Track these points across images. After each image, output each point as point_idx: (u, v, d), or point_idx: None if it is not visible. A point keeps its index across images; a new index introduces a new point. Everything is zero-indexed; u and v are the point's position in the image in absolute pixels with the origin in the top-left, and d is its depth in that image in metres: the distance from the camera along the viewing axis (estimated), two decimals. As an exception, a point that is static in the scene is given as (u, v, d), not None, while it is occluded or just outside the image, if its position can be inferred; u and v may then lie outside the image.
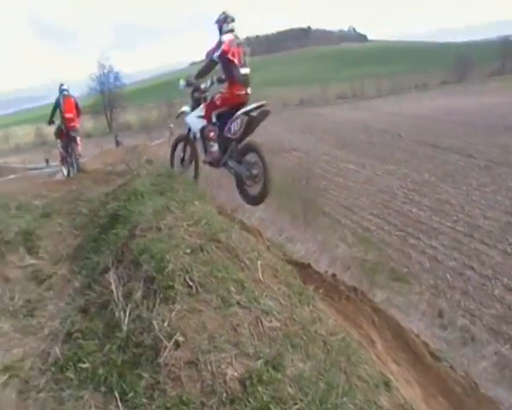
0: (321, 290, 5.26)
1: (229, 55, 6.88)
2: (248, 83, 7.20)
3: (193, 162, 7.60)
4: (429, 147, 52.53)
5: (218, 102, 7.05)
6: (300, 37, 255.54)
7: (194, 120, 7.38)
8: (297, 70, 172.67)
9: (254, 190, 6.90)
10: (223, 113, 7.08)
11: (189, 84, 7.57)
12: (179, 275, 3.59)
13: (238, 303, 3.43)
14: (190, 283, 3.53)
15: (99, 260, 4.86)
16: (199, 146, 7.46)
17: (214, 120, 7.13)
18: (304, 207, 31.82)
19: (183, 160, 7.77)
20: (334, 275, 6.23)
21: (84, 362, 3.38)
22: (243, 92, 7.07)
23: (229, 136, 6.96)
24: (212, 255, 3.89)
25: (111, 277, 4.02)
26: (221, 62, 6.99)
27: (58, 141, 13.38)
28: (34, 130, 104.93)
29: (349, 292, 5.83)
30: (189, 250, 3.92)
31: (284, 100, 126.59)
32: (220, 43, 6.92)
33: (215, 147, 7.03)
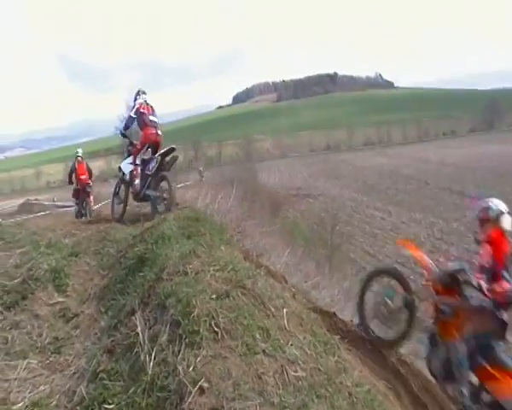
0: (346, 340, 5.19)
1: (141, 109, 9.29)
2: (157, 127, 9.39)
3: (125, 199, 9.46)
4: (457, 195, 51.93)
5: (138, 146, 9.33)
6: (327, 82, 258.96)
7: (126, 165, 9.54)
8: (323, 115, 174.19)
9: (161, 208, 8.61)
10: (145, 158, 9.25)
11: (123, 135, 10.00)
12: (205, 320, 3.60)
13: (263, 351, 3.42)
14: (216, 328, 3.54)
15: (125, 301, 4.91)
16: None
17: (138, 162, 9.26)
18: (329, 253, 31.62)
19: (119, 198, 9.67)
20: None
21: (109, 403, 3.41)
22: (154, 132, 9.25)
23: (147, 173, 8.99)
24: (237, 302, 3.90)
25: (137, 319, 4.06)
26: (136, 116, 9.27)
27: (74, 199, 16.25)
28: (64, 168, 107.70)
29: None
30: (214, 296, 3.94)
31: (310, 145, 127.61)
32: (135, 105, 9.41)
33: (137, 182, 9.09)
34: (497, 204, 5.58)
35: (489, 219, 5.49)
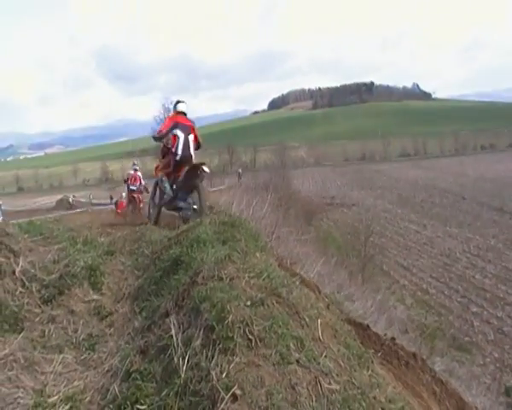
0: (380, 354, 5.11)
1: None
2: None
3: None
4: (495, 211, 50.85)
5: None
6: (363, 91, 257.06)
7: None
8: (359, 125, 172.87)
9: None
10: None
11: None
12: (239, 327, 3.59)
13: (297, 361, 3.38)
14: (250, 336, 3.52)
15: (160, 303, 4.94)
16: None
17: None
18: (362, 264, 31.35)
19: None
20: (393, 338, 6.03)
21: (141, 403, 3.43)
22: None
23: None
24: (272, 310, 3.87)
25: (171, 321, 4.08)
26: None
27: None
28: (100, 166, 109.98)
29: (409, 358, 5.62)
30: (249, 303, 3.92)
31: (345, 154, 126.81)
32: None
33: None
34: None
35: None
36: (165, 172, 9.33)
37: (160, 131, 9.19)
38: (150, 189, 11.86)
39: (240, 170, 46.56)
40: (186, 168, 8.82)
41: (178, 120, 9.18)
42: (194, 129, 9.37)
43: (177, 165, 9.03)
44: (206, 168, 8.62)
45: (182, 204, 8.82)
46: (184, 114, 9.46)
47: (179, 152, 8.96)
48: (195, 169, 8.64)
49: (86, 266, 6.13)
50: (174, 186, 9.00)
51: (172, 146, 8.94)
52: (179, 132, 8.92)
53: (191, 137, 9.19)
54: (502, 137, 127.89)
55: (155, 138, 9.45)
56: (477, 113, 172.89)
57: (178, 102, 9.69)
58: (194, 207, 8.61)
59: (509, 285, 31.39)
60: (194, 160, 9.25)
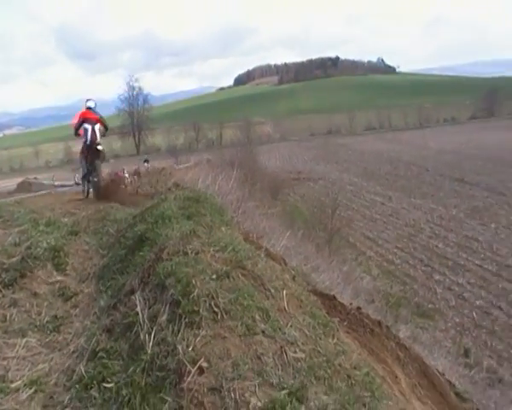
0: (345, 323, 5.21)
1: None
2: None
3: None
4: (457, 182, 52.00)
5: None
6: (329, 66, 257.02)
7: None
8: (324, 99, 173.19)
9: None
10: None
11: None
12: (204, 300, 3.59)
13: (263, 332, 3.41)
14: (215, 309, 3.53)
15: (125, 280, 4.90)
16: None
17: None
18: (329, 237, 31.71)
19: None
20: (358, 308, 6.14)
21: (108, 382, 3.41)
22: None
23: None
24: (237, 282, 3.88)
25: (137, 298, 4.06)
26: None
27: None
28: (63, 147, 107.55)
29: (374, 326, 5.74)
30: (214, 276, 3.92)
31: (311, 129, 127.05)
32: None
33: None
34: None
35: None
36: (82, 155, 12.13)
37: (73, 125, 12.02)
38: None
39: (146, 157, 45.53)
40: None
41: (86, 115, 11.78)
42: (99, 119, 11.95)
43: (87, 149, 11.71)
44: (99, 147, 11.64)
45: (94, 178, 11.62)
46: (91, 108, 12.08)
47: (88, 139, 11.53)
48: (94, 150, 11.58)
49: (49, 247, 6.03)
50: (88, 165, 11.80)
51: (83, 136, 11.58)
52: (86, 125, 11.55)
53: (97, 127, 11.70)
54: (463, 110, 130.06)
55: (74, 133, 12.15)
56: (440, 86, 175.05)
57: (88, 100, 12.38)
58: (95, 179, 11.59)
59: (470, 253, 32.30)
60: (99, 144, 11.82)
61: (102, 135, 12.17)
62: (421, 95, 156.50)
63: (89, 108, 12.06)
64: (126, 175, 19.10)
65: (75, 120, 11.98)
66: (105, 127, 12.37)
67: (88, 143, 11.61)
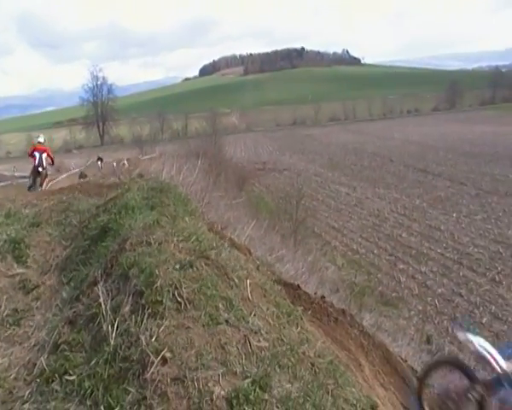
0: (309, 312, 5.26)
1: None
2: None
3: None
4: (420, 172, 52.96)
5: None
6: (294, 57, 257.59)
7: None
8: (290, 90, 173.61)
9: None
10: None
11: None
12: (168, 290, 3.57)
13: (226, 321, 3.42)
14: (179, 299, 3.52)
15: (88, 272, 4.84)
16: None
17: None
18: (294, 227, 31.88)
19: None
20: (322, 297, 6.22)
21: (70, 374, 3.36)
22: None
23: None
24: (201, 272, 3.87)
25: (99, 289, 4.00)
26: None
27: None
28: (25, 137, 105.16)
29: (338, 315, 5.83)
30: (178, 266, 3.90)
31: (276, 119, 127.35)
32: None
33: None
34: None
35: None
36: (31, 173, 15.98)
37: (28, 153, 16.69)
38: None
39: (100, 155, 44.56)
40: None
41: (36, 147, 16.30)
42: (46, 150, 16.30)
43: (35, 169, 15.68)
44: (39, 169, 15.64)
45: (34, 187, 15.44)
46: (41, 142, 16.78)
47: (36, 163, 15.61)
48: (37, 171, 15.61)
49: (9, 239, 5.91)
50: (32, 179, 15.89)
51: (33, 161, 15.68)
52: (36, 153, 15.74)
53: (44, 155, 15.86)
54: (426, 102, 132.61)
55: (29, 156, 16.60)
56: (404, 79, 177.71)
57: (38, 136, 17.62)
58: (38, 189, 14.98)
59: (432, 242, 32.99)
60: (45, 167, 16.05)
61: (49, 163, 16.68)
62: (385, 87, 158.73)
63: (39, 142, 16.83)
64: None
65: (29, 151, 16.68)
66: (50, 157, 16.71)
67: (36, 165, 15.74)
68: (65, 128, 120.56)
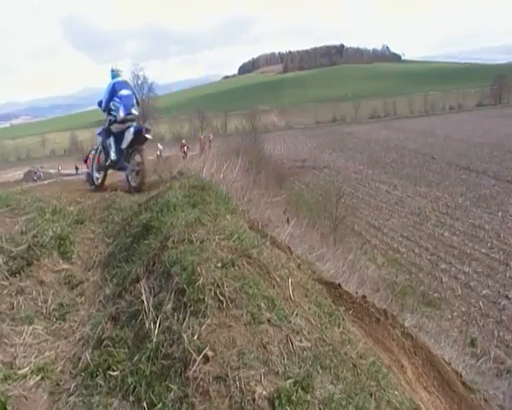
0: (351, 312, 5.19)
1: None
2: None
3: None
4: (463, 170, 51.73)
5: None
6: (334, 54, 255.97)
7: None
8: (329, 88, 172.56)
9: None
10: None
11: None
12: (210, 289, 3.58)
13: (268, 321, 3.40)
14: (221, 297, 3.52)
15: (130, 269, 4.90)
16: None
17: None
18: (334, 225, 31.68)
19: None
20: (364, 296, 6.12)
21: (113, 370, 3.42)
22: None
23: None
24: (243, 271, 3.87)
25: (142, 287, 4.05)
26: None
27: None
28: (70, 136, 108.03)
29: (379, 315, 5.72)
30: (220, 264, 3.91)
31: (316, 117, 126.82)
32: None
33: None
34: None
35: None
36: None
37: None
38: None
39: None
40: None
41: None
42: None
43: None
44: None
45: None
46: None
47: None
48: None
49: (55, 235, 6.02)
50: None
51: None
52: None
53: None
54: (469, 98, 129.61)
55: None
56: (445, 74, 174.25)
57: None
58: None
59: (476, 241, 32.15)
60: None
61: None
62: (426, 83, 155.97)
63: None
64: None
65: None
66: None
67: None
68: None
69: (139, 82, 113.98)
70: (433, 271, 29.29)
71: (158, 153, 41.21)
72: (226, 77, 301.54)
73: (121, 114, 9.65)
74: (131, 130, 9.45)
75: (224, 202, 6.13)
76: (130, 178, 9.56)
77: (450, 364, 6.34)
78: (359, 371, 3.47)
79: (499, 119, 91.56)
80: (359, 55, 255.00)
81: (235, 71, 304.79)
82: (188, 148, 42.96)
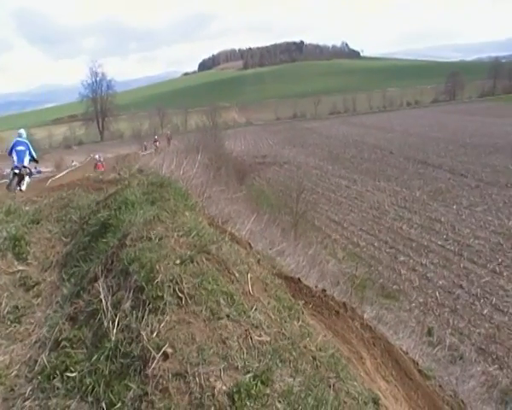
0: (310, 305, 5.25)
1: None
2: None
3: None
4: (420, 164, 52.87)
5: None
6: (294, 50, 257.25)
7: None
8: (290, 84, 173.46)
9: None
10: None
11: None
12: (169, 286, 3.56)
13: (227, 316, 3.41)
14: (180, 294, 3.51)
15: (88, 268, 4.83)
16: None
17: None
18: (295, 220, 31.88)
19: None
20: (323, 290, 6.21)
21: (71, 371, 3.35)
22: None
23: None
24: (202, 267, 3.86)
25: (100, 286, 3.99)
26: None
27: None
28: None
29: (339, 308, 5.82)
30: (178, 261, 3.89)
31: (277, 113, 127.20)
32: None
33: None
34: None
35: None
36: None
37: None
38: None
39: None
40: None
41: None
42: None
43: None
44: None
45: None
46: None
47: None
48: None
49: (9, 236, 5.89)
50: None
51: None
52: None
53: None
54: (426, 94, 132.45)
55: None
56: (403, 71, 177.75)
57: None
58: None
59: (433, 234, 32.91)
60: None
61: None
62: (384, 79, 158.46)
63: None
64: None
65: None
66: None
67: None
68: (65, 124, 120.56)
69: (97, 79, 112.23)
70: (391, 263, 29.84)
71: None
72: (186, 74, 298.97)
73: (15, 163, 13.63)
74: (16, 171, 13.56)
75: (183, 199, 6.10)
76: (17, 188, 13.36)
77: (407, 353, 6.50)
78: (319, 364, 3.52)
79: (454, 114, 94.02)
80: (319, 51, 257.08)
81: (196, 67, 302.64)
82: (159, 142, 43.20)
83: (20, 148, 14.00)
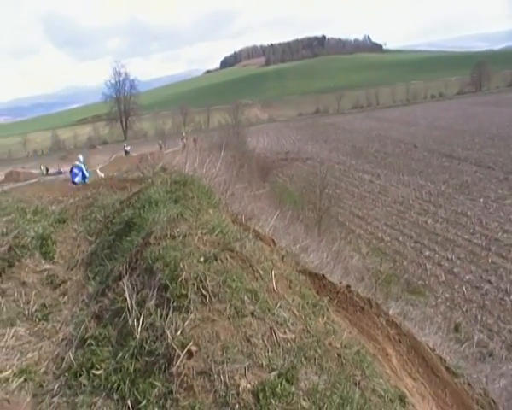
0: (335, 302, 5.20)
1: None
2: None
3: None
4: (445, 157, 52.03)
5: None
6: (315, 45, 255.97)
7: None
8: (312, 79, 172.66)
9: None
10: None
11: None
12: (193, 284, 3.57)
13: (252, 314, 3.40)
14: (204, 292, 3.51)
15: (113, 266, 4.87)
16: None
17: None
18: (318, 216, 31.72)
19: None
20: (348, 286, 6.14)
21: (97, 369, 3.39)
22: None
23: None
24: (225, 265, 3.86)
25: (125, 284, 4.02)
26: None
27: None
28: (51, 135, 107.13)
29: (364, 304, 5.75)
30: (202, 259, 3.89)
31: (299, 109, 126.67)
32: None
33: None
34: None
35: None
36: None
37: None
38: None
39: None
40: None
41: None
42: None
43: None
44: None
45: None
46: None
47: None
48: None
49: (37, 235, 5.96)
50: None
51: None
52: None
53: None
54: (450, 86, 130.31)
55: None
56: (427, 63, 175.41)
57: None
58: None
59: (459, 228, 32.38)
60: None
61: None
62: (408, 72, 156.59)
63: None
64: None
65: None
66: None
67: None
68: (89, 125, 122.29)
69: (121, 79, 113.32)
70: (416, 258, 29.43)
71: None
72: (208, 72, 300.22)
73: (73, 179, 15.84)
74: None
75: (206, 197, 6.11)
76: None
77: (434, 350, 6.39)
78: (344, 361, 3.48)
79: (480, 106, 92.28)
80: (341, 45, 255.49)
81: (218, 65, 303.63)
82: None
83: (75, 170, 16.40)
